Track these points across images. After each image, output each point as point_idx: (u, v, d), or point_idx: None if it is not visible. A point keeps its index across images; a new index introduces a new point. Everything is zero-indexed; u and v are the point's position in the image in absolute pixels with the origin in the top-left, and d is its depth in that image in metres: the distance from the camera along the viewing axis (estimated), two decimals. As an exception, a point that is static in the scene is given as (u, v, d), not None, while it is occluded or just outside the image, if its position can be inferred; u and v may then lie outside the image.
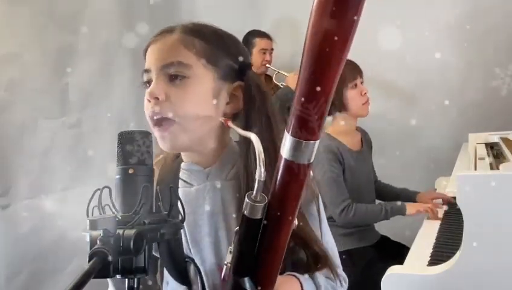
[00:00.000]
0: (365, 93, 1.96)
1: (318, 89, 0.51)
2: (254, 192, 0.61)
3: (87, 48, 2.69)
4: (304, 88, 0.52)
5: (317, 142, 0.56)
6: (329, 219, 1.94)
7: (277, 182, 0.60)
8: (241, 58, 0.88)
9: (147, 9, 2.90)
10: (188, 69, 0.82)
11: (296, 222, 0.63)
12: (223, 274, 0.67)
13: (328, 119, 1.99)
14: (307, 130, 0.55)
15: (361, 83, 1.99)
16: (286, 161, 0.57)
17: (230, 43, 0.89)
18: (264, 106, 0.86)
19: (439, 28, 2.83)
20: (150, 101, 0.82)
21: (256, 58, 3.00)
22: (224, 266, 0.66)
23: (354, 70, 1.96)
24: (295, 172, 0.58)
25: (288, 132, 0.56)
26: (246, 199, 0.61)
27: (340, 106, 1.95)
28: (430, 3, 2.80)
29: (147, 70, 0.85)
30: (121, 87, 2.72)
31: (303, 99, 0.52)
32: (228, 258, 0.66)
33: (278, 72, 3.04)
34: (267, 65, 3.03)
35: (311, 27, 0.48)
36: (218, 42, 0.86)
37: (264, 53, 3.01)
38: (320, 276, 0.86)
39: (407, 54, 2.78)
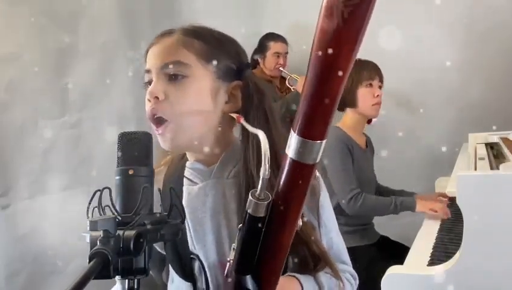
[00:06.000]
0: (378, 95, 1.97)
1: (326, 87, 0.50)
2: (258, 190, 0.59)
3: (87, 48, 2.69)
4: (311, 87, 0.51)
5: (324, 142, 0.55)
6: (335, 211, 1.95)
7: (282, 181, 0.59)
8: (239, 59, 0.90)
9: (147, 10, 2.90)
10: (187, 68, 0.84)
11: (300, 222, 0.62)
12: (226, 271, 0.67)
13: (339, 114, 2.00)
14: (313, 129, 0.53)
15: (380, 87, 2.00)
16: (292, 160, 0.56)
17: (229, 44, 0.91)
18: (262, 104, 0.87)
19: (440, 28, 2.83)
20: (150, 101, 0.84)
21: (269, 61, 3.04)
22: (228, 263, 0.66)
23: (373, 71, 1.98)
24: (301, 172, 0.57)
25: (294, 131, 0.54)
26: (250, 197, 0.60)
27: (350, 101, 1.98)
28: (430, 3, 2.80)
29: (148, 71, 0.87)
30: (121, 87, 2.72)
31: (310, 98, 0.51)
32: (231, 255, 0.65)
33: (290, 76, 3.07)
34: (280, 68, 3.06)
35: (320, 26, 0.48)
36: (216, 43, 0.88)
37: (278, 56, 3.04)
38: (323, 275, 0.86)
39: (407, 54, 2.77)
